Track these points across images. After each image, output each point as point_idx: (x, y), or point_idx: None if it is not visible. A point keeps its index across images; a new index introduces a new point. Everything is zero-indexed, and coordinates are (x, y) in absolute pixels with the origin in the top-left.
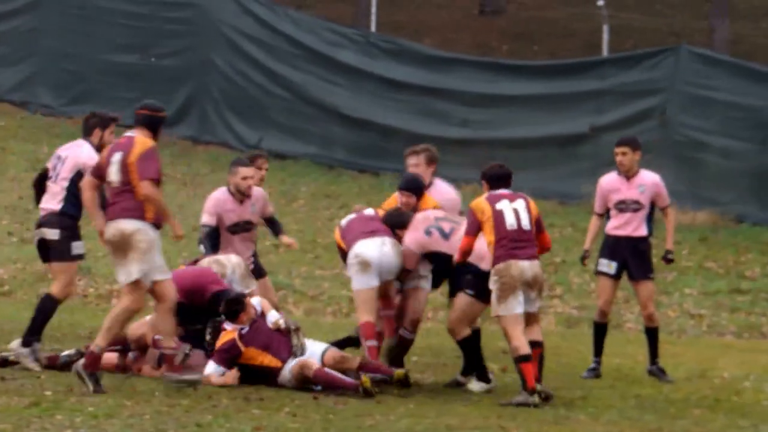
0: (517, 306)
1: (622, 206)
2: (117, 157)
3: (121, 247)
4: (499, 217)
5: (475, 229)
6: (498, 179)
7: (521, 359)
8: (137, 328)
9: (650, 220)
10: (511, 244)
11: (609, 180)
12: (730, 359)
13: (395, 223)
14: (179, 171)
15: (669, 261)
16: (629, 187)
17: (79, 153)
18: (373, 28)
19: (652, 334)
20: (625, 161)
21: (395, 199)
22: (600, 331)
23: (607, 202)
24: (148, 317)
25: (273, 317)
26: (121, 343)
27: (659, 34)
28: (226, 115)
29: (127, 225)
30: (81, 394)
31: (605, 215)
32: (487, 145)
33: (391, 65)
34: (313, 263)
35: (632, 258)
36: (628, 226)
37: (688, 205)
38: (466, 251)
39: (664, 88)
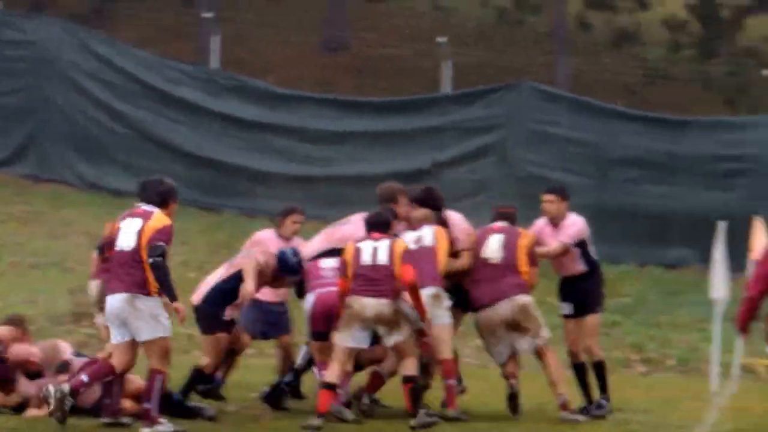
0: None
1: None
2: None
3: None
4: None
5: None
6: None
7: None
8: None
9: (586, 255)
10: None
11: (540, 225)
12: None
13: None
14: (18, 209)
15: None
16: (556, 234)
17: None
18: (215, 66)
19: (595, 367)
20: (551, 209)
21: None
22: (578, 371)
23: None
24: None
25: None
26: None
27: (501, 71)
28: (66, 153)
29: None
30: None
31: None
32: (331, 182)
33: (233, 102)
34: None
35: (578, 296)
36: (565, 267)
37: None
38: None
39: (505, 124)
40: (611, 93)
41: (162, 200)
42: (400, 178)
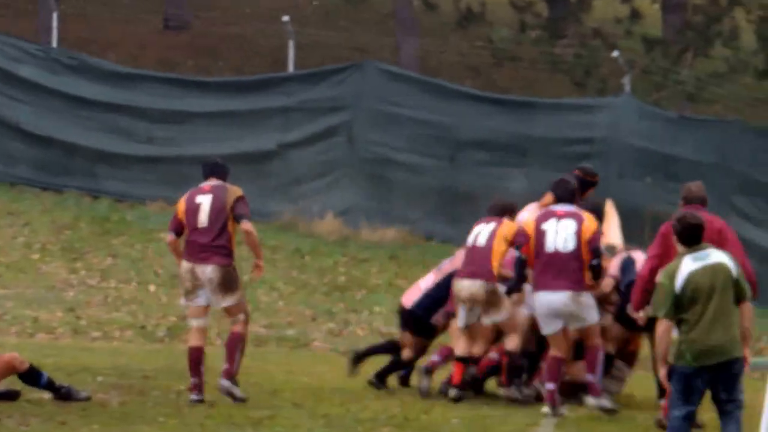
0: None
1: None
2: None
3: None
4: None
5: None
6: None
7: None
8: None
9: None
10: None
11: None
12: None
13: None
14: None
15: None
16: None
17: None
18: (55, 44)
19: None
20: None
21: None
22: None
23: None
24: None
25: None
26: None
27: (346, 51)
28: None
29: None
30: None
31: None
32: (174, 162)
33: (74, 81)
34: None
35: None
36: None
37: (378, 222)
38: None
39: (351, 105)
40: (458, 74)
41: (571, 196)
42: (245, 159)
